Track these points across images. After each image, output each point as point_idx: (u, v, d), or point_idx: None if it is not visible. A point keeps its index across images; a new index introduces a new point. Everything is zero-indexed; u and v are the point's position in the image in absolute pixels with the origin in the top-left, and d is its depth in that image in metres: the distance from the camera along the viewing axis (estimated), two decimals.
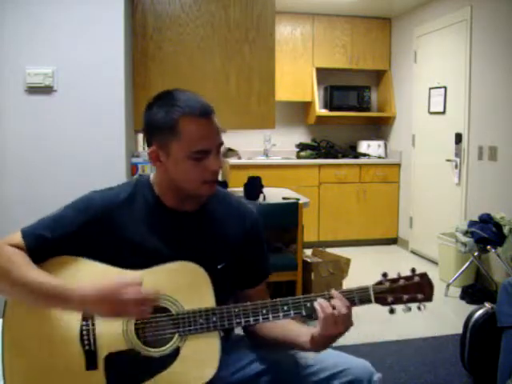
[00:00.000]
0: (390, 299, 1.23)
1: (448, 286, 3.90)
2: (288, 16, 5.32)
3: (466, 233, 3.72)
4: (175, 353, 1.20)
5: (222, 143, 1.28)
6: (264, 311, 1.23)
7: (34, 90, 2.37)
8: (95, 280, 1.20)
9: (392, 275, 1.25)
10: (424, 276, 1.24)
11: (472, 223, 3.74)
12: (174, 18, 2.88)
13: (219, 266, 1.34)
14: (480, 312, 2.45)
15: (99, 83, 2.44)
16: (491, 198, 3.98)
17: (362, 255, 4.88)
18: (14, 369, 1.20)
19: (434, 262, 4.62)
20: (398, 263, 5.05)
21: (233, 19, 2.94)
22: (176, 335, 1.21)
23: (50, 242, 1.25)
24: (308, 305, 1.23)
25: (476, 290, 3.78)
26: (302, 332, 1.28)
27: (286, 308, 1.23)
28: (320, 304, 1.20)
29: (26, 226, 1.30)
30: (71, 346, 1.20)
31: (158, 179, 1.34)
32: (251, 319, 1.23)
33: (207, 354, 1.21)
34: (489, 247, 3.63)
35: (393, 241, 5.59)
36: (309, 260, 3.42)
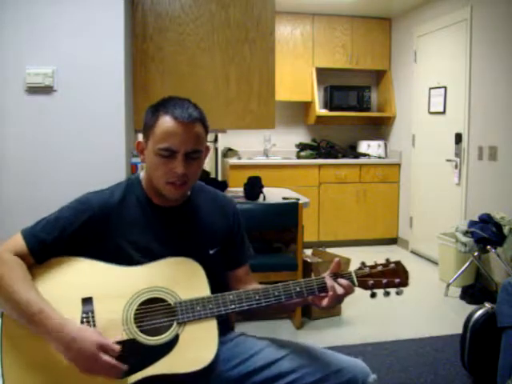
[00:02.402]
0: (370, 283, 1.36)
1: (448, 285, 3.90)
2: (288, 16, 5.32)
3: (466, 233, 3.72)
4: (175, 340, 1.25)
5: (194, 150, 1.34)
6: (257, 297, 1.33)
7: (34, 89, 2.37)
8: (92, 279, 1.28)
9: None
10: (399, 263, 1.40)
11: (472, 223, 3.74)
12: (173, 18, 2.88)
13: (211, 252, 1.44)
14: (480, 312, 2.45)
15: (99, 83, 2.44)
16: (491, 197, 3.98)
17: (362, 255, 4.86)
18: (13, 366, 1.20)
19: (434, 262, 4.62)
20: None
21: (233, 19, 2.94)
22: (174, 323, 1.27)
23: (50, 243, 1.30)
24: (298, 289, 1.35)
25: (476, 289, 3.78)
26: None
27: (276, 293, 1.34)
28: (330, 282, 1.33)
29: (25, 227, 1.33)
30: None
31: (146, 178, 1.43)
32: (245, 305, 1.32)
33: (206, 338, 1.27)
34: (489, 247, 3.63)
35: (393, 241, 5.59)
36: (309, 260, 3.42)
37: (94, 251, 1.33)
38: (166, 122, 1.32)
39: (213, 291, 1.33)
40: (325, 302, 1.33)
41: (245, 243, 1.59)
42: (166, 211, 1.42)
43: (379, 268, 1.38)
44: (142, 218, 1.39)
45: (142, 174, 1.46)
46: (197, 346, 1.25)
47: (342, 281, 1.35)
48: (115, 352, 1.18)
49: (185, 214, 1.45)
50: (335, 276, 1.36)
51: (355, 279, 1.36)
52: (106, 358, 1.16)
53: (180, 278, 1.33)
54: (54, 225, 1.32)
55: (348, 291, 1.34)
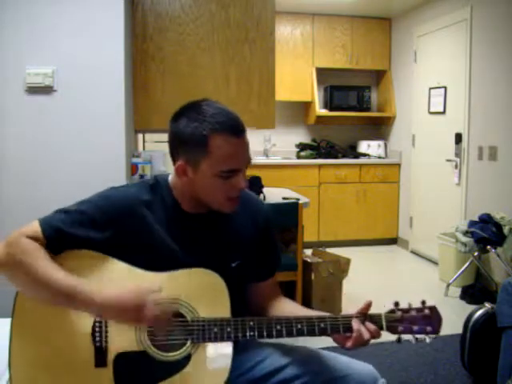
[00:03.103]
0: (400, 328, 1.27)
1: (448, 285, 3.90)
2: (288, 16, 5.32)
3: (466, 233, 3.72)
4: (186, 359, 1.20)
5: (250, 160, 1.27)
6: (278, 327, 1.24)
7: (34, 89, 2.37)
8: (110, 278, 1.22)
9: (403, 305, 1.30)
10: (434, 309, 1.29)
11: (472, 223, 3.74)
12: (173, 18, 2.88)
13: (233, 265, 1.34)
14: (480, 312, 2.45)
15: (99, 83, 2.44)
16: (491, 197, 3.98)
17: (362, 255, 4.88)
18: (21, 358, 1.19)
19: (434, 262, 4.62)
20: (397, 263, 5.06)
21: (233, 19, 2.94)
22: (189, 342, 1.21)
23: (68, 235, 1.23)
24: (322, 325, 1.26)
25: (476, 290, 3.78)
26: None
27: (299, 327, 1.25)
28: (356, 325, 1.25)
29: (43, 216, 1.26)
30: (82, 341, 1.20)
31: (179, 186, 1.32)
32: (265, 333, 1.23)
33: (218, 363, 1.21)
34: (489, 247, 3.63)
35: (393, 241, 5.59)
36: (309, 260, 3.42)
37: (112, 249, 1.25)
38: (221, 141, 1.20)
39: (231, 305, 1.27)
40: (349, 343, 1.25)
41: (274, 253, 1.48)
42: (194, 217, 1.33)
43: (412, 313, 1.27)
44: (168, 221, 1.30)
45: (170, 178, 1.35)
46: (207, 370, 1.20)
47: (370, 326, 1.26)
48: (157, 291, 1.16)
49: (213, 221, 1.35)
50: (363, 317, 1.28)
51: (384, 324, 1.27)
52: (151, 310, 1.14)
53: (202, 292, 1.25)
54: (74, 218, 1.24)
55: (374, 336, 1.26)
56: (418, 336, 1.26)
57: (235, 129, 1.22)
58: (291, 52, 5.41)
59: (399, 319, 1.27)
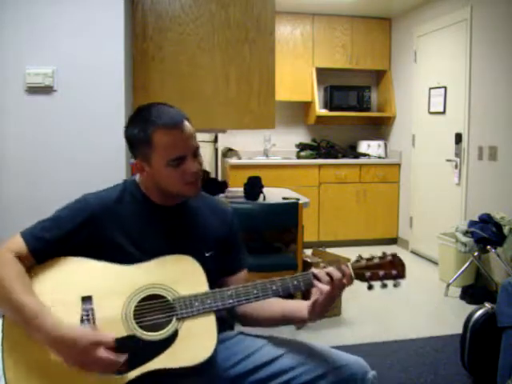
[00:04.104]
0: (367, 274, 1.37)
1: (448, 286, 3.90)
2: (288, 16, 5.32)
3: (466, 233, 3.72)
4: (174, 335, 1.26)
5: (197, 147, 1.39)
6: (254, 291, 1.33)
7: (34, 89, 2.37)
8: (91, 278, 1.31)
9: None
10: (395, 256, 1.40)
11: (472, 223, 3.74)
12: (174, 18, 2.88)
13: (207, 254, 1.45)
14: (480, 312, 2.45)
15: (99, 83, 2.43)
16: (491, 197, 3.98)
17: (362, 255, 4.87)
18: (14, 364, 1.21)
19: (434, 262, 4.62)
20: None
21: (233, 19, 2.93)
22: (174, 319, 1.28)
23: (50, 243, 1.32)
24: (295, 282, 1.35)
25: (476, 289, 3.78)
26: (302, 305, 1.40)
27: (274, 287, 1.34)
28: (319, 273, 1.34)
29: (24, 229, 1.34)
30: None
31: (144, 181, 1.45)
32: (243, 299, 1.33)
33: (205, 333, 1.28)
34: (489, 247, 3.63)
35: (393, 241, 5.59)
36: (309, 260, 3.42)
37: (93, 250, 1.34)
38: (163, 134, 1.34)
39: None
40: (326, 288, 1.32)
41: (241, 249, 1.60)
42: (164, 209, 1.45)
43: (376, 260, 1.39)
44: (140, 216, 1.42)
45: (137, 177, 1.48)
46: (196, 340, 1.26)
47: (345, 268, 1.36)
48: (110, 345, 1.18)
49: (182, 214, 1.47)
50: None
51: (352, 271, 1.37)
52: (101, 353, 1.16)
53: (179, 275, 1.35)
54: (53, 225, 1.34)
55: (348, 280, 1.34)
56: (385, 281, 1.37)
57: (172, 121, 1.35)
58: (291, 52, 5.41)
59: (364, 266, 1.37)
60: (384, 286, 1.37)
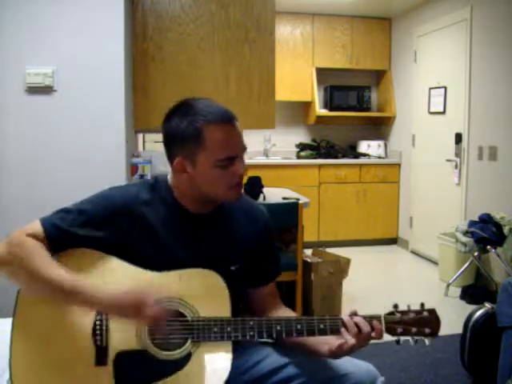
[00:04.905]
0: (399, 330, 1.27)
1: (448, 285, 3.90)
2: (288, 16, 5.32)
3: (466, 233, 3.72)
4: (186, 358, 1.21)
5: (245, 148, 1.29)
6: (278, 327, 1.24)
7: (34, 89, 2.37)
8: (111, 276, 1.24)
9: (402, 307, 1.31)
10: (433, 312, 1.31)
11: (472, 223, 3.74)
12: (174, 18, 2.88)
13: (233, 268, 1.35)
14: (480, 312, 2.45)
15: (99, 83, 2.44)
16: (491, 197, 3.98)
17: (361, 255, 4.87)
18: (22, 357, 1.19)
19: (434, 262, 4.62)
20: (397, 263, 5.06)
21: (233, 19, 2.93)
22: (189, 341, 1.22)
23: (68, 234, 1.25)
24: (321, 326, 1.25)
25: (476, 289, 3.78)
26: (325, 340, 1.29)
27: (299, 327, 1.25)
28: (348, 323, 1.24)
29: (44, 216, 1.28)
30: (82, 339, 1.20)
31: (179, 185, 1.33)
32: (265, 334, 1.24)
33: (219, 360, 1.22)
34: (489, 247, 3.63)
35: (393, 241, 5.59)
36: (309, 260, 3.42)
37: (112, 248, 1.27)
38: (215, 130, 1.22)
39: (231, 309, 1.28)
40: (352, 340, 1.23)
41: (273, 259, 1.48)
42: (196, 218, 1.34)
43: (411, 315, 1.28)
44: (167, 221, 1.31)
45: (170, 178, 1.36)
46: (208, 369, 1.21)
47: (376, 323, 1.27)
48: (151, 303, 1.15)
49: (215, 222, 1.36)
50: (363, 318, 1.28)
51: (383, 325, 1.27)
52: (150, 303, 1.14)
53: (202, 292, 1.25)
54: (75, 217, 1.26)
55: (377, 335, 1.26)
56: (416, 338, 1.27)
57: (226, 117, 1.25)
58: (291, 52, 5.41)
59: (398, 321, 1.27)
60: (415, 342, 1.28)
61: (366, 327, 1.24)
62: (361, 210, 5.41)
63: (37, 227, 1.24)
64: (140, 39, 2.86)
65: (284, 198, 3.42)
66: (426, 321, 1.29)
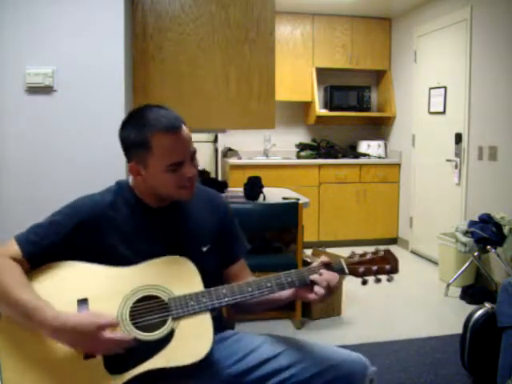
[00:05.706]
0: (361, 270, 1.40)
1: (448, 286, 3.90)
2: (288, 16, 5.32)
3: (466, 233, 3.72)
4: (170, 335, 1.27)
5: (194, 151, 1.39)
6: (249, 289, 1.34)
7: (34, 89, 2.37)
8: (88, 281, 1.31)
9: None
10: (388, 251, 1.43)
11: (472, 223, 3.74)
12: (173, 18, 2.88)
13: (204, 249, 1.46)
14: (480, 312, 2.45)
15: (99, 83, 2.43)
16: (491, 197, 3.98)
17: None
18: (10, 356, 1.21)
19: (434, 262, 4.62)
20: None
21: (233, 19, 2.93)
22: (169, 319, 1.28)
23: (45, 248, 1.32)
24: (289, 280, 1.36)
25: (476, 289, 3.78)
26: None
27: (269, 284, 1.36)
28: (316, 278, 1.36)
29: (19, 233, 1.35)
30: None
31: (138, 185, 1.45)
32: (238, 297, 1.33)
33: (201, 331, 1.28)
34: (489, 247, 3.63)
35: (393, 241, 5.59)
36: (309, 260, 3.42)
37: (88, 254, 1.34)
38: (162, 138, 1.32)
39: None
40: (312, 294, 1.35)
41: (238, 238, 1.60)
42: (157, 211, 1.45)
43: (369, 256, 1.42)
44: (133, 218, 1.42)
45: (130, 180, 1.47)
46: (192, 339, 1.27)
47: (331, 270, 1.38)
48: (114, 325, 1.21)
49: (175, 213, 1.47)
50: (326, 266, 1.39)
51: (345, 267, 1.39)
52: (107, 334, 1.18)
53: (173, 275, 1.35)
54: (47, 229, 1.34)
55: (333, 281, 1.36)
56: (379, 276, 1.41)
57: (171, 126, 1.33)
58: (291, 52, 5.41)
59: (359, 261, 1.41)
60: (378, 280, 1.41)
61: (334, 279, 1.36)
62: (361, 210, 5.41)
63: (13, 247, 1.31)
64: (140, 39, 2.86)
65: (284, 198, 3.42)
66: (383, 259, 1.42)
